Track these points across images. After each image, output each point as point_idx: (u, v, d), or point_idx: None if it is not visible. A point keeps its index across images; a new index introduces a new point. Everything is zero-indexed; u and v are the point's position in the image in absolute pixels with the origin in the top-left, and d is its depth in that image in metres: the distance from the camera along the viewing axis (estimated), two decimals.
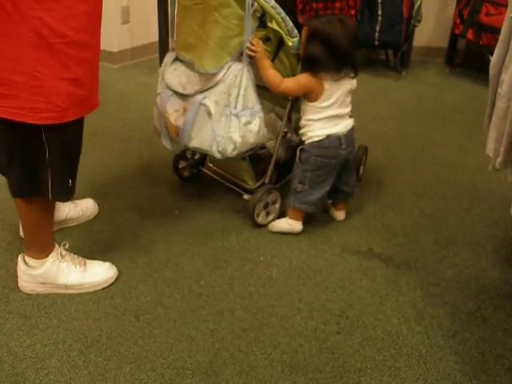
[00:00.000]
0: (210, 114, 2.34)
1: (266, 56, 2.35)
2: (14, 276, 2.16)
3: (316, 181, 2.49)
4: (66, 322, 2.02)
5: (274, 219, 2.63)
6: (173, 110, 2.48)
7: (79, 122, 1.92)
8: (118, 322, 2.03)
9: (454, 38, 4.96)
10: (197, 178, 3.01)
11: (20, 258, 2.14)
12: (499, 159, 1.88)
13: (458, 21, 4.67)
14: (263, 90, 2.44)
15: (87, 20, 1.73)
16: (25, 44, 1.64)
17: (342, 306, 2.16)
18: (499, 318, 2.14)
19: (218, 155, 2.39)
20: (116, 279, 2.22)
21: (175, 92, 2.48)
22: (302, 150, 2.49)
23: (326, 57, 2.32)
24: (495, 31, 4.32)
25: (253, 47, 2.29)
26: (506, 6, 4.26)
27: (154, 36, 4.49)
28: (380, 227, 2.67)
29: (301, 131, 2.51)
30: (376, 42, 4.61)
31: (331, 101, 2.41)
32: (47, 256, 2.12)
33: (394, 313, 2.14)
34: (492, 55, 4.41)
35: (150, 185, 2.92)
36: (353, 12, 4.44)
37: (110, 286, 2.19)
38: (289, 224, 2.57)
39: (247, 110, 2.34)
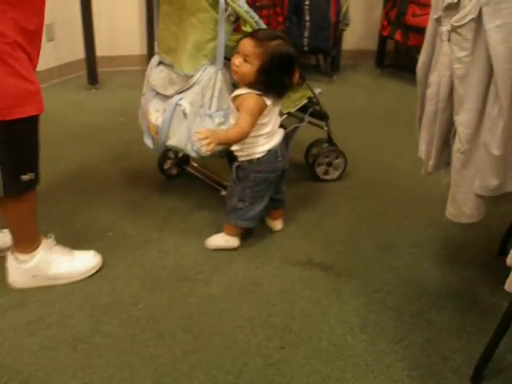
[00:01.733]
0: (185, 114, 2.44)
1: (218, 134, 2.23)
2: None
3: (256, 196, 2.44)
4: None
5: None
6: (154, 109, 2.59)
7: (29, 122, 1.92)
8: (55, 354, 1.94)
9: (382, 40, 5.00)
10: (180, 177, 3.10)
11: (9, 255, 2.19)
12: (431, 162, 1.87)
13: (385, 23, 4.72)
14: None
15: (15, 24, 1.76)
16: None
17: (284, 319, 2.12)
18: (443, 319, 2.14)
19: (193, 154, 2.49)
20: (51, 309, 2.13)
21: (158, 93, 2.59)
22: (238, 167, 2.43)
23: (287, 81, 2.29)
24: (422, 31, 4.31)
25: (205, 141, 2.16)
26: (431, 6, 4.36)
27: (80, 53, 4.40)
28: (318, 235, 2.65)
29: (236, 148, 2.39)
30: (305, 48, 4.60)
31: (271, 116, 2.35)
32: (37, 248, 2.17)
33: (337, 322, 2.11)
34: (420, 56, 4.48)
35: (83, 208, 2.82)
36: (280, 19, 4.43)
37: (48, 315, 2.10)
38: (225, 241, 2.52)
39: (221, 111, 2.43)
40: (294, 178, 3.08)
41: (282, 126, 2.71)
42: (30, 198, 2.10)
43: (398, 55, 5.02)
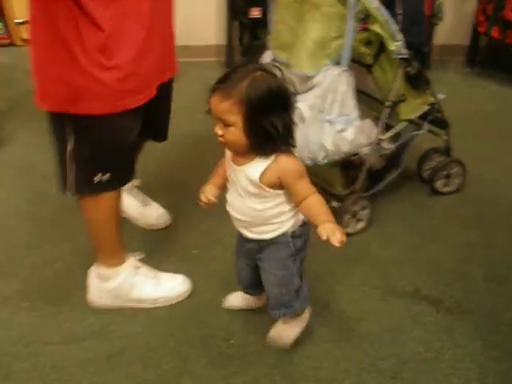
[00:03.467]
0: (303, 118, 2.27)
1: (333, 223, 1.50)
2: None
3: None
4: None
5: (363, 227, 2.53)
6: None
7: (100, 119, 1.67)
8: None
9: (476, 36, 4.64)
10: None
11: (92, 271, 2.05)
12: None
13: (481, 18, 4.35)
14: (360, 93, 2.37)
15: None
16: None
17: (394, 364, 1.88)
18: None
19: (308, 162, 2.29)
20: (134, 341, 1.93)
21: None
22: (294, 237, 1.70)
23: (287, 118, 1.52)
24: None
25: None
26: None
27: None
28: (423, 261, 2.38)
29: (282, 229, 1.67)
30: None
31: None
32: (120, 264, 2.02)
33: (453, 370, 1.87)
34: None
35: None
36: None
37: (130, 348, 1.91)
38: (301, 326, 1.90)
39: (343, 116, 2.28)
40: (389, 192, 2.79)
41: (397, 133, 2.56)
42: (109, 200, 1.88)
43: (492, 52, 4.65)
